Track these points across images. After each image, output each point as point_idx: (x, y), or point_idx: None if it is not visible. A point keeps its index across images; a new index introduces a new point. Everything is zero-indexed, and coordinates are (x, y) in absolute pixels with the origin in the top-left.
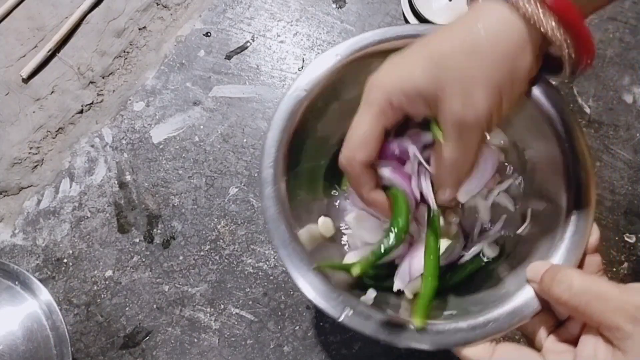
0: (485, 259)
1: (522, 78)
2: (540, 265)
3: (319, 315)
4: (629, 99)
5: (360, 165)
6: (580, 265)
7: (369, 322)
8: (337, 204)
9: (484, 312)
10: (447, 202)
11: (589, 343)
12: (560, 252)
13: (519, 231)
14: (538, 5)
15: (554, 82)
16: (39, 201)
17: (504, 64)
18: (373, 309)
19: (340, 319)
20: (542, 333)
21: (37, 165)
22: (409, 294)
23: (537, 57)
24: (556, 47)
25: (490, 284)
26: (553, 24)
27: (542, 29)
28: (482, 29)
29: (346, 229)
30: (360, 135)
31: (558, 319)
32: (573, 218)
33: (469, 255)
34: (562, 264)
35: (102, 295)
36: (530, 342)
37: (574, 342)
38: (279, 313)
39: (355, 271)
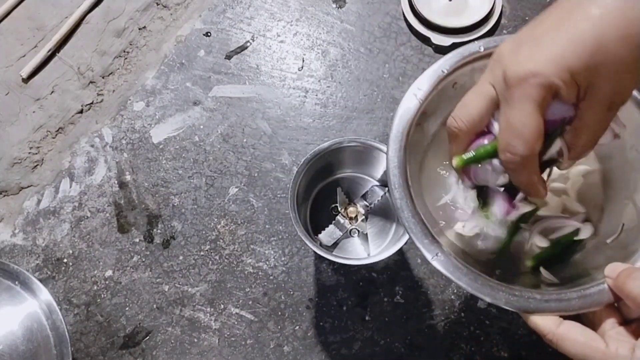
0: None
1: None
2: (619, 265)
3: (319, 315)
4: None
5: (536, 156)
6: None
7: (456, 270)
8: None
9: (558, 291)
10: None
11: None
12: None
13: (608, 241)
14: None
15: None
16: (39, 201)
17: None
18: (464, 264)
19: (431, 259)
20: (607, 325)
21: (37, 165)
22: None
23: None
24: None
25: (568, 272)
26: None
27: None
28: (633, 9)
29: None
30: (534, 130)
31: (625, 318)
32: None
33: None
34: None
35: (102, 295)
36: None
37: (636, 338)
38: (279, 313)
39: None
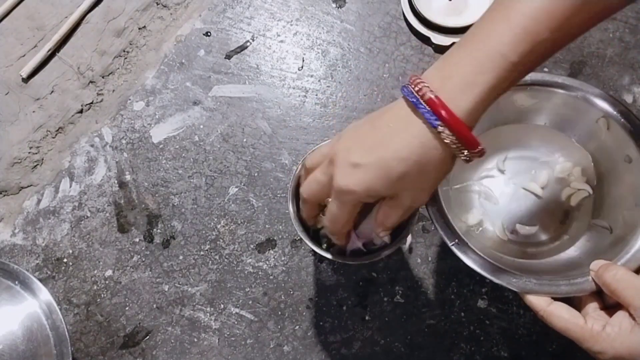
0: None
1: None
2: (600, 261)
3: (319, 315)
4: (629, 98)
5: (345, 232)
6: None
7: (469, 253)
8: None
9: (551, 279)
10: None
11: (620, 316)
12: (623, 259)
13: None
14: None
15: None
16: (39, 201)
17: (438, 176)
18: (476, 249)
19: (450, 244)
20: (589, 308)
21: (37, 164)
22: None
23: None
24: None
25: (563, 266)
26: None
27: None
28: (423, 155)
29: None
30: (344, 221)
31: (605, 304)
32: None
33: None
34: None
35: (102, 295)
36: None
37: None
38: (279, 313)
39: None
